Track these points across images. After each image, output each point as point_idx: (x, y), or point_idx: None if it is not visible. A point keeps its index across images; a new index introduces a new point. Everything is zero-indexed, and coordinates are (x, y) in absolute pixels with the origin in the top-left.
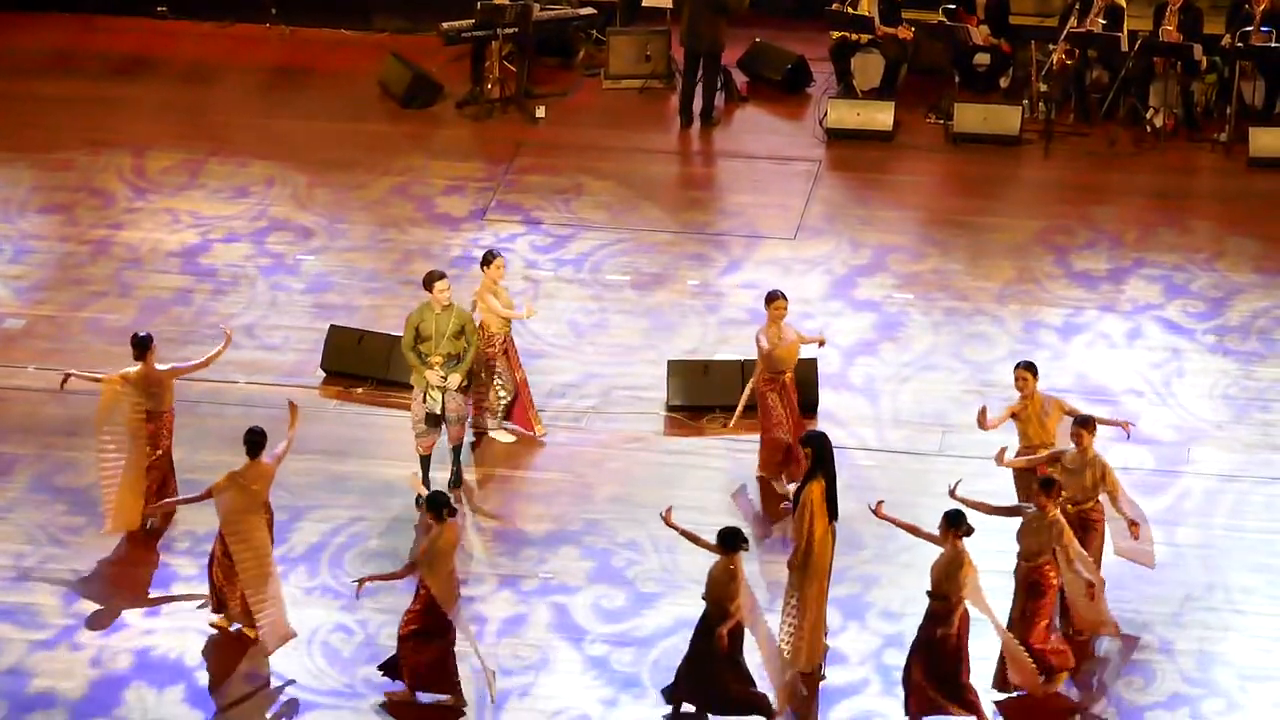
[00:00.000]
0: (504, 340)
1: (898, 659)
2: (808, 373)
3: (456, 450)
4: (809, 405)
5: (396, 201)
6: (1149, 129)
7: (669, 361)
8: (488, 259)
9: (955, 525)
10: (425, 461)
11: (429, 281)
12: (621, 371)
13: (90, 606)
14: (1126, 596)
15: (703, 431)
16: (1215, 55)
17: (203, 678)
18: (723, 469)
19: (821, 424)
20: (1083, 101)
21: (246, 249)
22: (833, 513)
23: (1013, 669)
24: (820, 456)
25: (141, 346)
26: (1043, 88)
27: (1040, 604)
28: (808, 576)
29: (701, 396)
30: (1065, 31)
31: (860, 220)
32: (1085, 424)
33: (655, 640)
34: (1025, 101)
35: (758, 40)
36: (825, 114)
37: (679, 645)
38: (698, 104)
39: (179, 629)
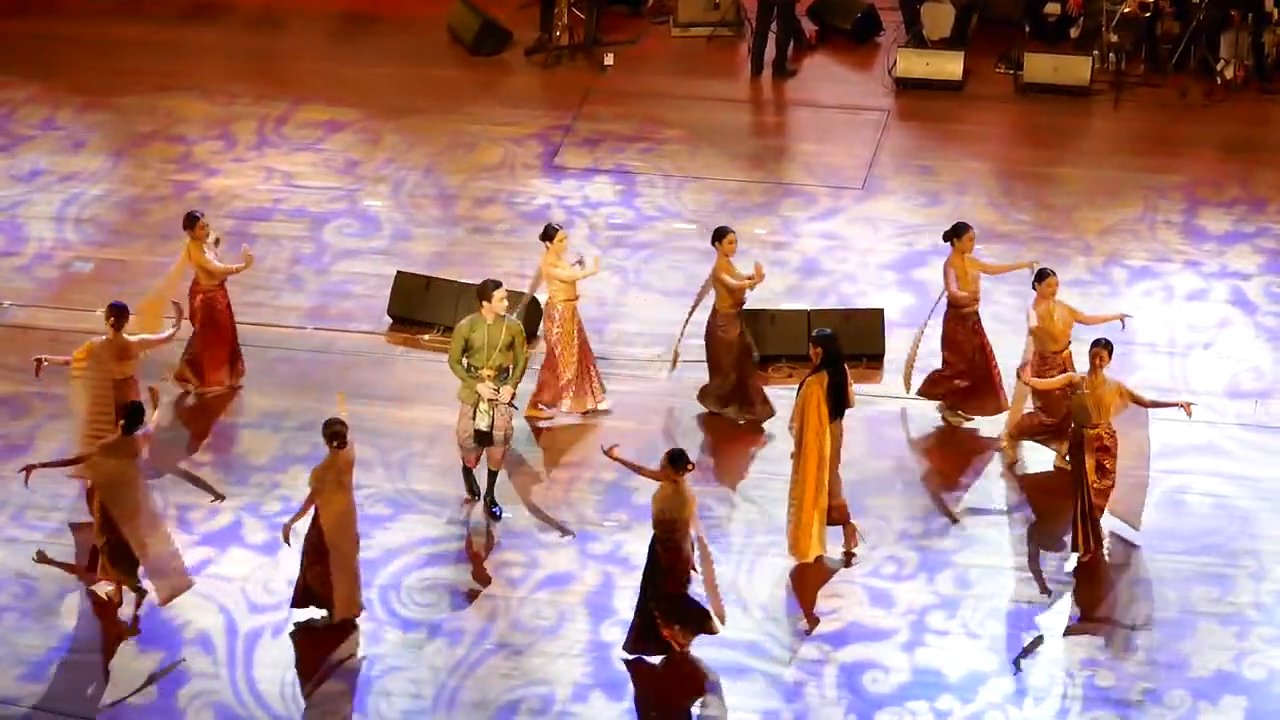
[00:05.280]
0: (574, 314)
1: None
2: (874, 322)
3: (494, 475)
4: (875, 355)
5: (464, 149)
6: (1219, 80)
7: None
8: (550, 234)
9: (676, 464)
10: (470, 474)
11: (486, 291)
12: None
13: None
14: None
15: (769, 380)
16: None
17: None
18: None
19: (888, 370)
20: (1153, 52)
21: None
22: (836, 412)
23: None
24: (830, 356)
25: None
26: (1113, 38)
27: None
28: (798, 470)
29: (768, 346)
30: None
31: (929, 170)
32: (1105, 345)
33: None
34: (1096, 52)
35: None
36: (894, 63)
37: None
38: (769, 54)
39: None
